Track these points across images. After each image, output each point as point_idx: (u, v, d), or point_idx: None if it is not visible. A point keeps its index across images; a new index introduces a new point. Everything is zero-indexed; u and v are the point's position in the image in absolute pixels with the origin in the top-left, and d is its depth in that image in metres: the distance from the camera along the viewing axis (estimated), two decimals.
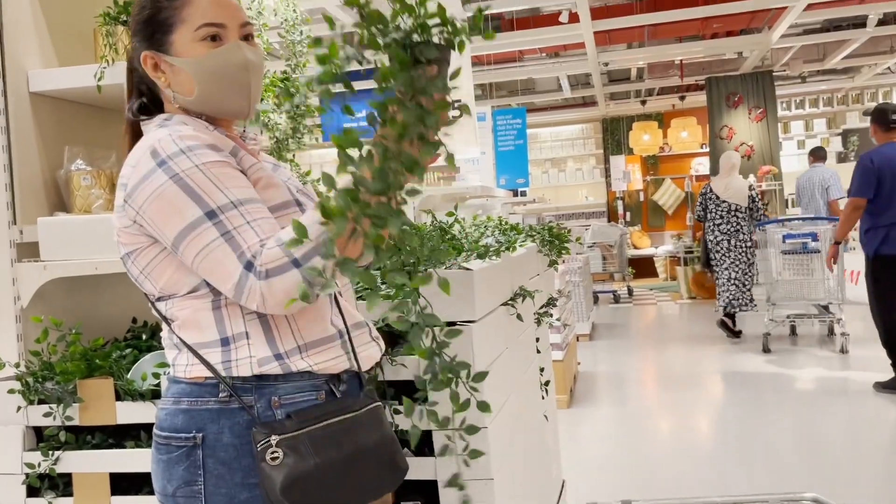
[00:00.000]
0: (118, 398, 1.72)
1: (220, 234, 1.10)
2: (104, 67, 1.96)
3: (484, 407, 1.02)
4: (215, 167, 1.14)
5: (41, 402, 1.75)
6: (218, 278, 1.11)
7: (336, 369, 1.25)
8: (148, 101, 1.32)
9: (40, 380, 1.76)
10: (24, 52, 2.00)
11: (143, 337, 2.04)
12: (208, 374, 1.19)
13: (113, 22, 2.05)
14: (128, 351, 1.86)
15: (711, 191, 6.99)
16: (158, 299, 1.24)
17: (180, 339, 1.21)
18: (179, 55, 1.24)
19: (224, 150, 1.20)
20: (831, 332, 6.71)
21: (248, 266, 1.08)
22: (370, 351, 1.34)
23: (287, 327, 1.20)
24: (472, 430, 1.04)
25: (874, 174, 4.64)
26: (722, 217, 6.93)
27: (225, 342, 1.18)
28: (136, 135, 1.30)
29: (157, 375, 1.73)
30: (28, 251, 1.96)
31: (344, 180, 0.85)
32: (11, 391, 1.74)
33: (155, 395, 1.71)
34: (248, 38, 1.28)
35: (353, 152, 0.86)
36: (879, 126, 4.83)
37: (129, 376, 1.76)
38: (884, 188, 4.63)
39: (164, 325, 1.28)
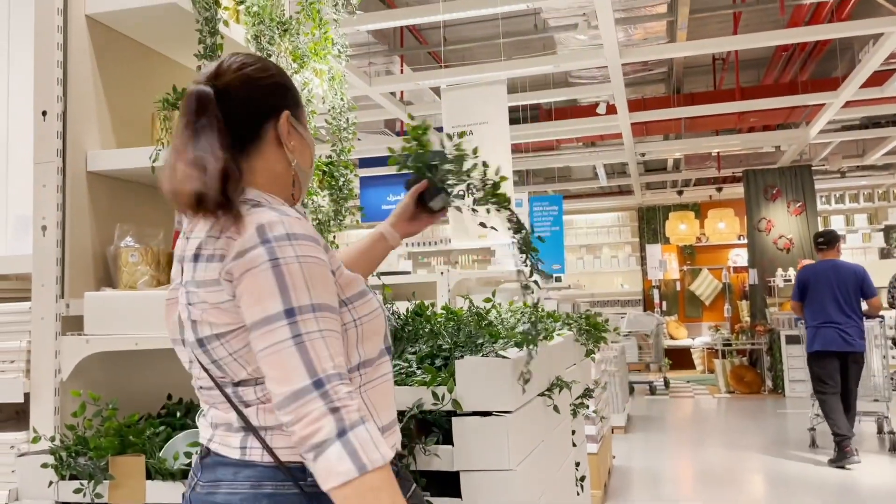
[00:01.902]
0: (149, 476, 1.71)
1: (292, 336, 1.09)
2: (159, 150, 2.04)
3: None
4: (312, 264, 1.14)
5: (73, 477, 1.74)
6: (275, 379, 1.10)
7: (398, 449, 1.32)
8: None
9: (73, 455, 1.76)
10: (84, 134, 2.09)
11: (178, 414, 2.03)
12: (290, 458, 1.17)
13: (171, 107, 2.15)
14: (161, 428, 1.86)
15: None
16: (241, 383, 1.20)
17: (259, 423, 1.18)
18: (306, 130, 1.33)
19: (321, 244, 1.19)
20: (881, 430, 6.44)
21: (318, 384, 1.08)
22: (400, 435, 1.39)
23: (373, 409, 1.25)
24: None
25: (800, 283, 6.06)
26: None
27: None
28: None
29: (188, 455, 1.72)
30: (72, 324, 1.99)
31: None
32: (45, 465, 1.74)
33: (185, 474, 1.69)
34: None
35: None
36: (814, 247, 6.23)
37: (161, 454, 1.75)
38: (810, 295, 5.92)
39: (222, 407, 1.23)
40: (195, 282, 1.19)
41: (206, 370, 1.22)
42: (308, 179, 1.34)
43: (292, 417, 1.07)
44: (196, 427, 1.87)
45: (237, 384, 1.20)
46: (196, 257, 1.19)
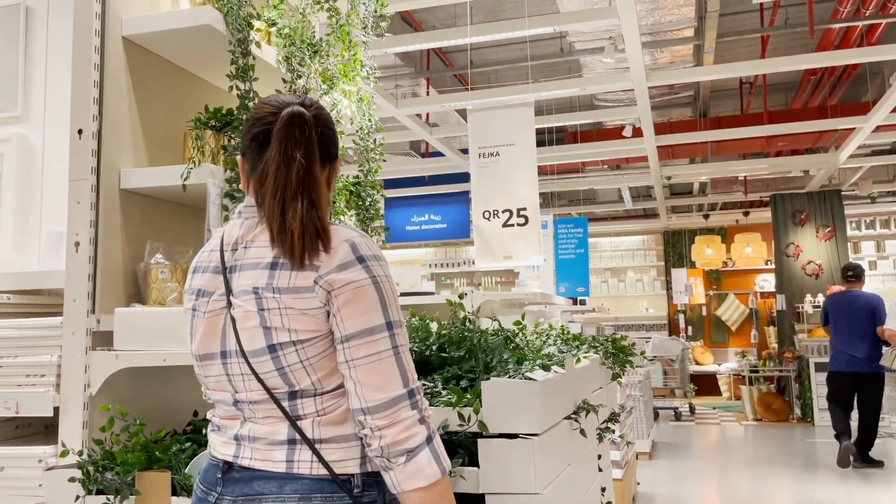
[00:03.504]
0: (174, 493, 1.71)
1: (392, 347, 1.22)
2: (191, 168, 2.06)
3: None
4: (393, 284, 1.27)
5: (99, 491, 1.75)
6: (373, 383, 1.20)
7: None
8: None
9: (101, 469, 1.77)
10: (118, 152, 2.13)
11: (203, 431, 2.04)
12: (343, 470, 1.23)
13: (202, 126, 2.18)
14: (187, 445, 1.86)
15: None
16: (298, 394, 1.24)
17: (314, 434, 1.23)
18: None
19: None
20: None
21: (411, 394, 1.21)
22: None
23: None
24: None
25: (824, 310, 6.92)
26: None
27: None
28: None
29: None
30: (102, 340, 2.02)
31: None
32: (72, 479, 1.75)
33: None
34: None
35: None
36: (843, 278, 6.98)
37: (186, 471, 1.75)
38: (832, 321, 6.73)
39: (264, 421, 1.25)
40: (275, 288, 1.23)
41: (261, 381, 1.24)
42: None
43: (387, 421, 1.19)
44: None
45: (293, 395, 1.24)
46: (274, 265, 1.24)
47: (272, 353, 1.23)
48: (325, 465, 1.22)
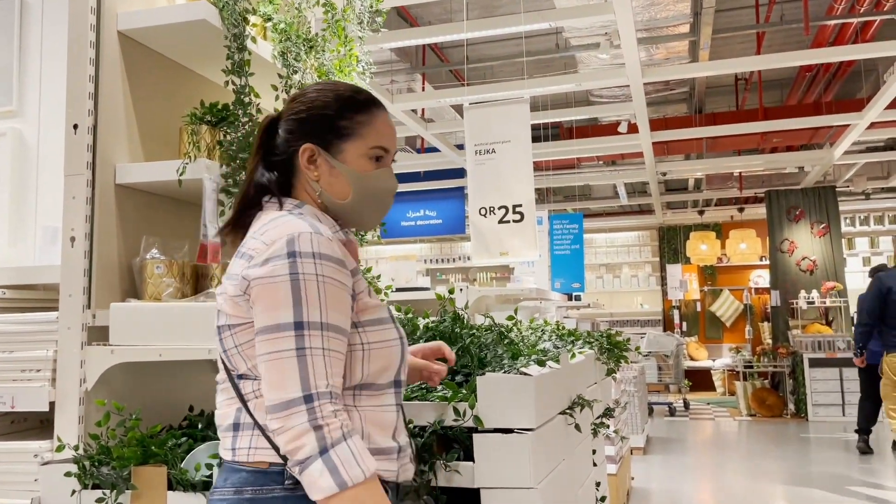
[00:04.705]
0: (171, 487, 1.71)
1: (297, 348, 1.16)
2: (186, 163, 2.06)
3: None
4: (330, 285, 1.20)
5: (95, 486, 1.76)
6: (271, 383, 1.16)
7: (386, 478, 1.29)
8: (275, 176, 1.38)
9: (96, 464, 1.77)
10: (113, 147, 2.13)
11: (199, 426, 2.04)
12: (273, 459, 1.20)
13: (198, 122, 2.18)
14: (183, 440, 1.87)
15: None
16: (242, 377, 1.26)
17: (253, 418, 1.23)
18: (346, 163, 1.33)
19: (348, 268, 1.25)
20: None
21: (308, 399, 1.14)
22: (409, 474, 1.37)
23: (359, 428, 1.25)
24: None
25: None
26: None
27: None
28: (252, 205, 1.37)
29: (210, 466, 1.73)
30: (98, 335, 2.02)
31: None
32: (68, 474, 1.76)
33: (206, 486, 1.70)
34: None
35: None
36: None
37: (182, 465, 1.76)
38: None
39: (224, 404, 1.29)
40: (227, 273, 1.28)
41: (222, 360, 1.30)
42: (349, 212, 1.36)
43: (279, 426, 1.14)
44: (217, 439, 1.88)
45: (240, 377, 1.26)
46: (238, 252, 1.29)
47: (220, 334, 1.28)
48: (262, 451, 1.21)
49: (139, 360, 1.96)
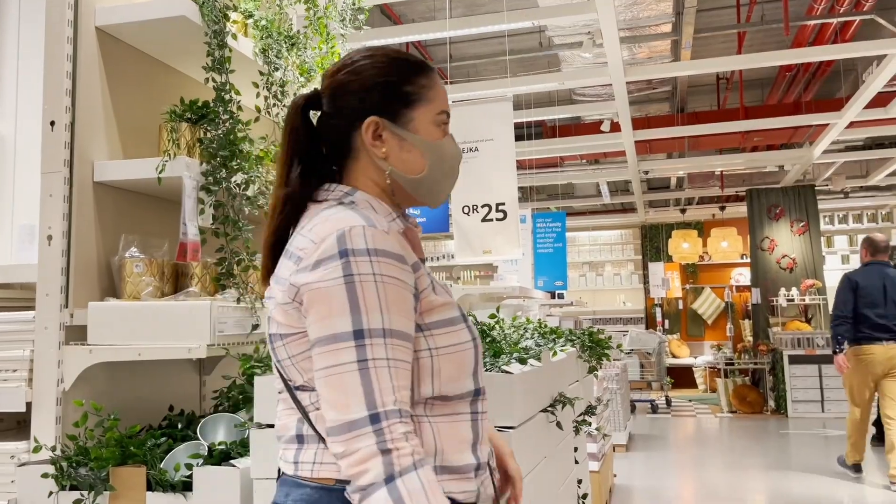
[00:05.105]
0: (149, 488, 1.70)
1: (357, 360, 1.02)
2: (166, 161, 2.05)
3: None
4: (391, 285, 1.06)
5: (73, 487, 1.74)
6: (331, 402, 1.03)
7: (462, 500, 1.14)
8: (306, 166, 1.21)
9: (74, 465, 1.75)
10: (92, 144, 2.11)
11: (179, 426, 2.03)
12: (339, 476, 1.08)
13: (178, 119, 2.16)
14: (163, 440, 1.85)
15: None
16: (300, 388, 1.13)
17: (316, 431, 1.11)
18: (416, 132, 1.19)
19: (408, 263, 1.11)
20: None
21: (375, 419, 1.00)
22: (489, 491, 1.22)
23: (431, 444, 1.12)
24: None
25: None
26: None
27: None
28: (296, 206, 1.19)
29: (189, 466, 1.71)
30: (76, 334, 1.99)
31: None
32: (45, 475, 1.74)
33: (186, 486, 1.69)
34: None
35: None
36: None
37: (162, 466, 1.74)
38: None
39: (284, 414, 1.17)
40: (276, 276, 1.15)
41: (277, 370, 1.17)
42: (422, 188, 1.21)
43: (342, 449, 1.01)
44: (197, 439, 1.87)
45: (298, 388, 1.14)
46: (286, 251, 1.15)
47: (272, 343, 1.16)
48: (327, 466, 1.09)
49: (118, 360, 1.94)
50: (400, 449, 1.00)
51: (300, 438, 1.13)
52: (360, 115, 1.18)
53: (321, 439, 1.10)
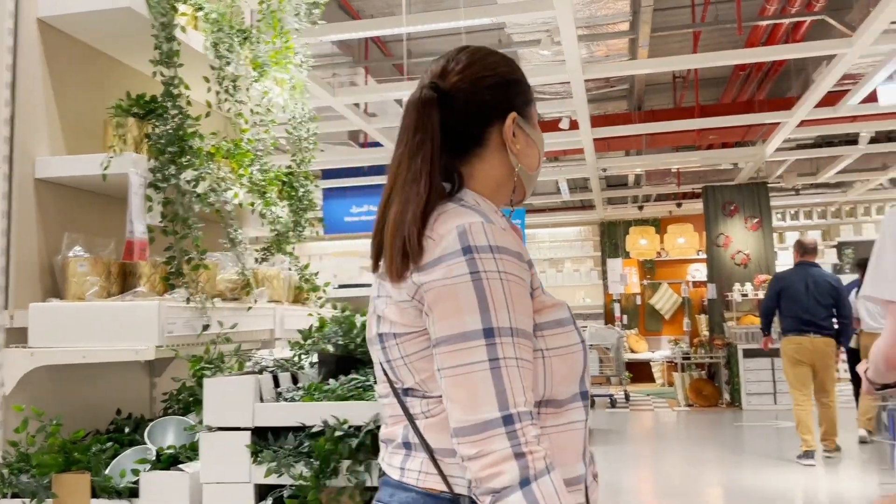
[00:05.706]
0: (94, 495, 1.65)
1: (489, 359, 1.00)
2: (111, 157, 1.98)
3: None
4: (514, 283, 1.04)
5: (14, 495, 1.68)
6: (460, 402, 1.01)
7: None
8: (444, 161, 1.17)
9: (15, 472, 1.69)
10: (33, 139, 2.03)
11: (126, 430, 1.97)
12: (442, 487, 1.07)
13: (125, 114, 2.10)
14: (108, 445, 1.80)
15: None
16: (408, 391, 1.11)
17: (423, 440, 1.09)
18: (535, 128, 1.22)
19: (524, 260, 1.09)
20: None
21: (508, 420, 0.99)
22: (596, 496, 1.20)
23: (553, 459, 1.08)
24: None
25: None
26: None
27: None
28: (430, 213, 1.11)
29: (136, 472, 1.67)
30: (16, 337, 1.92)
31: None
32: None
33: (132, 493, 1.64)
34: None
35: None
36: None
37: (107, 472, 1.69)
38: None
39: (390, 421, 1.15)
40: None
41: (384, 371, 1.15)
42: (531, 182, 1.24)
43: (473, 451, 0.99)
44: (145, 444, 1.81)
45: (407, 392, 1.12)
46: None
47: (380, 343, 1.13)
48: (433, 477, 1.07)
49: (61, 363, 1.88)
50: (534, 452, 0.99)
51: (407, 446, 1.11)
52: (500, 111, 1.18)
53: (426, 449, 1.08)
